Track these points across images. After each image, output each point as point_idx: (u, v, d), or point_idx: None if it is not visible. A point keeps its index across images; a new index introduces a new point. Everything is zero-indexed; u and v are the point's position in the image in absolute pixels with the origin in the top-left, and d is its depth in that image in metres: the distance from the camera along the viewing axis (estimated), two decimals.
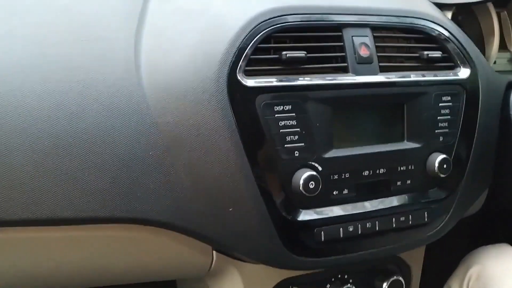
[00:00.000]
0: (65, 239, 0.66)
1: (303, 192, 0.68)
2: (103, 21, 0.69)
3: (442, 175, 0.78)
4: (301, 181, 0.68)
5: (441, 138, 0.80)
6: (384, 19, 0.77)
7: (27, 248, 0.65)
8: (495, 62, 1.03)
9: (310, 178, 0.68)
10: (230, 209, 0.67)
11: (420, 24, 0.80)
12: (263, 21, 0.68)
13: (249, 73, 0.66)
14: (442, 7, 0.94)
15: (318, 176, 0.69)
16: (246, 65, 0.66)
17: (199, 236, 0.69)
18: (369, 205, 0.76)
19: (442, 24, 0.81)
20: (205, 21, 0.68)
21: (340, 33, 0.73)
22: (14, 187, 0.60)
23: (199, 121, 0.64)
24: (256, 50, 0.67)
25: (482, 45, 1.03)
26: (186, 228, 0.68)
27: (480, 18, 1.03)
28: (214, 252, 0.75)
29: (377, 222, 0.76)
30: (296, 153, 0.69)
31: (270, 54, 0.69)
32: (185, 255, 0.74)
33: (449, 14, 0.95)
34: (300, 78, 0.69)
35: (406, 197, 0.79)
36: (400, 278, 0.89)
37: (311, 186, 0.68)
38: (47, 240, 0.66)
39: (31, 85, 0.62)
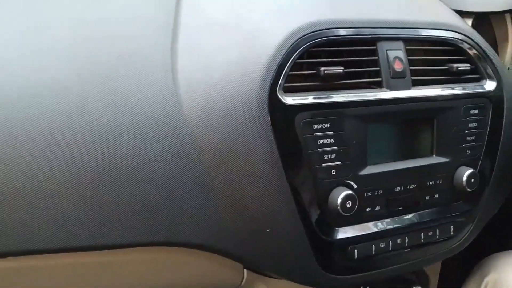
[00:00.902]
0: (100, 264, 0.64)
1: (340, 211, 0.67)
2: (137, 36, 0.66)
3: (469, 190, 0.78)
4: (339, 201, 0.67)
5: (468, 152, 0.80)
6: (416, 31, 0.76)
7: (64, 274, 0.63)
8: (508, 69, 1.03)
9: (348, 197, 0.67)
10: (268, 230, 0.66)
11: (450, 37, 0.79)
12: (302, 36, 0.66)
13: (286, 90, 0.65)
14: (462, 14, 0.94)
15: (355, 195, 0.68)
16: (285, 82, 0.64)
17: (234, 256, 0.68)
18: (399, 221, 0.75)
19: (472, 36, 0.81)
20: (242, 36, 0.66)
21: (374, 47, 0.72)
22: (54, 216, 0.57)
23: (239, 141, 0.63)
24: (293, 66, 0.65)
25: (496, 51, 1.03)
26: (223, 250, 0.66)
27: (495, 24, 1.02)
28: (245, 270, 0.74)
29: (406, 238, 0.76)
30: (333, 172, 0.68)
31: (303, 69, 0.68)
32: (216, 273, 0.72)
33: (469, 22, 0.95)
34: (336, 95, 0.68)
35: (434, 211, 0.79)
36: None
37: (348, 206, 0.67)
38: (84, 265, 0.63)
39: (65, 108, 0.59)
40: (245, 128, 0.62)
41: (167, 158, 0.61)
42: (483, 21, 1.01)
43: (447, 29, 0.79)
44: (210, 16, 0.70)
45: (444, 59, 0.80)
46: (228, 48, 0.65)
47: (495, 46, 1.03)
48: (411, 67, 0.74)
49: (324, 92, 0.67)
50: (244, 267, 0.74)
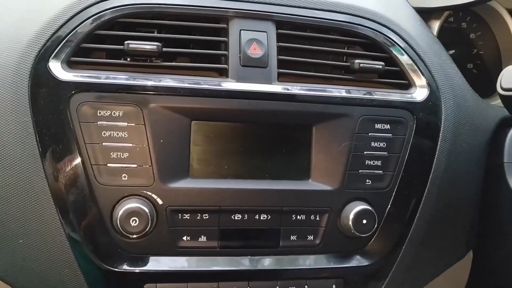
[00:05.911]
0: None
1: (122, 231, 0.50)
2: None
3: (359, 234, 0.55)
4: (121, 214, 0.50)
5: (368, 182, 0.56)
6: (299, 12, 0.57)
7: None
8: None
9: (135, 213, 0.50)
10: (21, 241, 0.51)
11: (354, 24, 0.58)
12: (96, 3, 0.52)
13: (77, 66, 0.51)
14: (431, 14, 0.71)
15: (147, 212, 0.50)
16: (73, 55, 0.50)
17: None
18: (236, 263, 0.55)
19: (392, 26, 0.59)
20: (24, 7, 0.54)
21: (225, 25, 0.55)
22: None
23: None
24: (94, 38, 0.51)
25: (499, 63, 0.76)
26: None
27: (495, 30, 0.77)
28: None
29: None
30: (124, 177, 0.51)
31: (106, 43, 0.53)
32: None
33: (436, 24, 0.71)
34: (138, 76, 0.52)
35: (301, 261, 0.56)
36: None
37: (133, 224, 0.50)
38: None
39: None
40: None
41: None
42: (481, 28, 0.76)
43: (351, 13, 0.58)
44: None
45: (353, 53, 0.59)
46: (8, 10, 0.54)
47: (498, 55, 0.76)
48: (283, 57, 0.55)
49: (127, 73, 0.51)
50: None
